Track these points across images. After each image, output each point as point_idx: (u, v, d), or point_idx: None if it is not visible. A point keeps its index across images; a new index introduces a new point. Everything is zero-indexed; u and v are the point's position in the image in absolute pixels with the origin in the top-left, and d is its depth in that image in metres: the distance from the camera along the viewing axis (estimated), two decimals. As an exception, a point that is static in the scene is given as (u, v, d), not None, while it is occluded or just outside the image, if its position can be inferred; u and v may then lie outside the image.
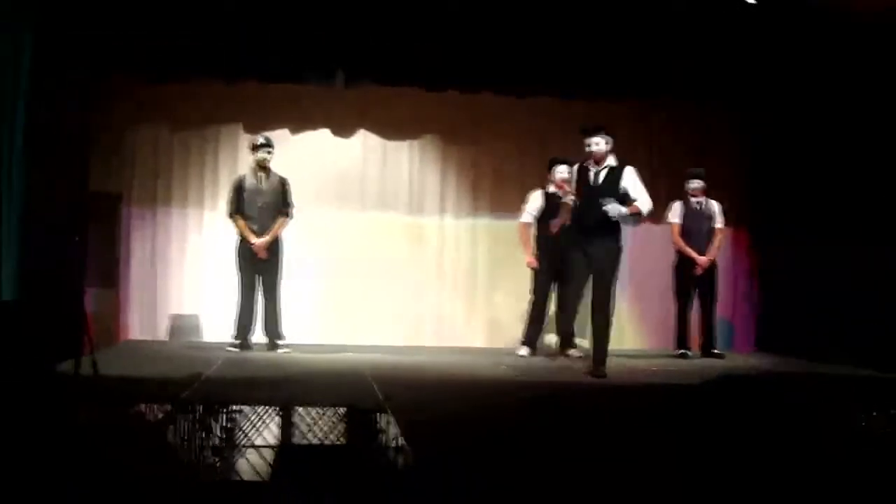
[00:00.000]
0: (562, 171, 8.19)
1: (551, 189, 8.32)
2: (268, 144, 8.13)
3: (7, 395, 4.52)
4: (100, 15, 7.74)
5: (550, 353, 8.55)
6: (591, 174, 7.03)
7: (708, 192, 8.88)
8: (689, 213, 8.81)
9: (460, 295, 9.74)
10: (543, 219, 8.46)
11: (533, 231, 8.61)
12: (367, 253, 9.50)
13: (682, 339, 8.81)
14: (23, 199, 6.56)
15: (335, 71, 8.76)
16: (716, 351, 8.79)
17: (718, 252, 8.90)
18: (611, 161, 7.04)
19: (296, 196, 8.26)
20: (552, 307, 8.66)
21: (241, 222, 8.05)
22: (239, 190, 8.12)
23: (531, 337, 8.55)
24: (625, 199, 6.90)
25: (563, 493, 3.56)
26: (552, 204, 8.33)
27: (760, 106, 9.44)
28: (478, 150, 9.79)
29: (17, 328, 5.89)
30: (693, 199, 8.81)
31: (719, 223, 8.86)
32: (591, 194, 6.94)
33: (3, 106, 6.42)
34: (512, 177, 9.32)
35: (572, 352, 8.42)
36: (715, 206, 8.87)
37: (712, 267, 8.83)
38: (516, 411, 5.15)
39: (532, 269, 8.52)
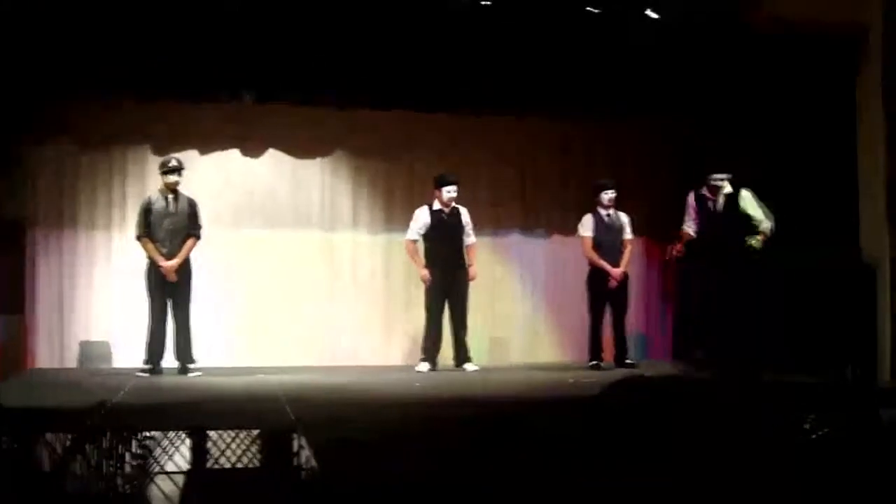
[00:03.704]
0: (449, 191, 8.39)
1: (436, 206, 8.58)
2: (179, 168, 8.01)
3: None
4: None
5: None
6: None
7: (617, 205, 8.98)
8: (601, 226, 8.88)
9: (376, 312, 9.70)
10: (430, 235, 8.57)
11: (421, 247, 8.66)
12: (280, 272, 9.44)
13: (595, 351, 8.87)
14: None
15: (243, 90, 8.76)
16: (629, 361, 8.86)
17: (629, 263, 9.00)
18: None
19: (206, 217, 8.17)
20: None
21: (150, 245, 7.93)
22: (147, 212, 7.99)
23: (430, 352, 8.57)
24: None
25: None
26: (438, 220, 8.55)
27: (676, 118, 9.59)
28: (389, 166, 9.79)
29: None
30: (603, 211, 8.89)
31: (629, 234, 8.95)
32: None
33: None
34: (425, 192, 9.23)
35: (467, 366, 8.54)
36: (624, 218, 8.96)
37: (625, 278, 8.93)
38: (438, 428, 5.12)
39: (425, 283, 8.57)
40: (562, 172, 10.05)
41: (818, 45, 7.82)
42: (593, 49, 8.66)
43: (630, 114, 9.58)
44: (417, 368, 8.50)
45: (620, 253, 8.87)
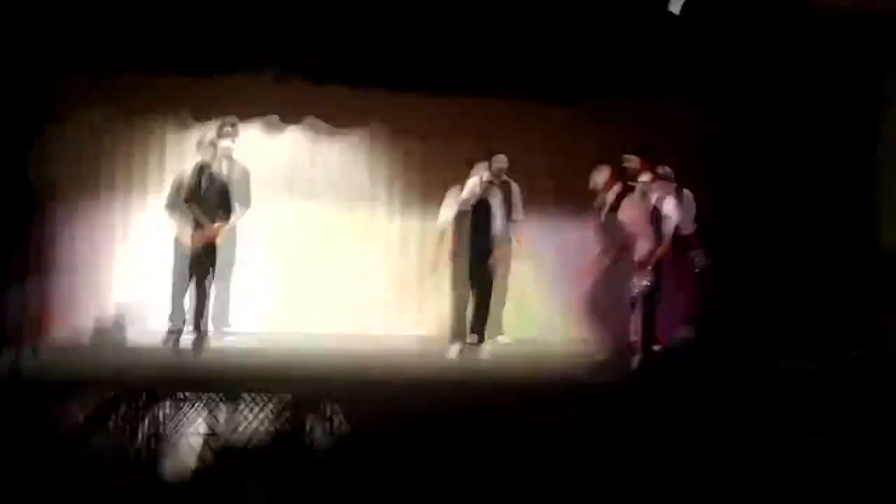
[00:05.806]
0: (498, 160, 8.39)
1: (486, 177, 8.38)
2: (232, 134, 8.03)
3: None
4: (39, 5, 7.66)
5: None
6: None
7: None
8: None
9: (410, 286, 9.68)
10: (467, 212, 8.40)
11: (451, 229, 8.50)
12: (316, 244, 9.47)
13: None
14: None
15: (283, 65, 8.81)
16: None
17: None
18: None
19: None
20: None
21: (197, 209, 7.93)
22: (196, 177, 7.98)
23: (458, 332, 8.39)
24: None
25: (505, 482, 3.59)
26: (482, 195, 8.35)
27: (706, 107, 9.50)
28: (427, 145, 9.75)
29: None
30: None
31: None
32: None
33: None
34: (460, 176, 8.68)
35: (500, 338, 8.59)
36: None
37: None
38: (465, 403, 5.18)
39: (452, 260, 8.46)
40: (599, 156, 9.94)
41: (844, 31, 7.72)
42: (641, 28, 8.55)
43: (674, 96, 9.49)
44: (449, 354, 8.24)
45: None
